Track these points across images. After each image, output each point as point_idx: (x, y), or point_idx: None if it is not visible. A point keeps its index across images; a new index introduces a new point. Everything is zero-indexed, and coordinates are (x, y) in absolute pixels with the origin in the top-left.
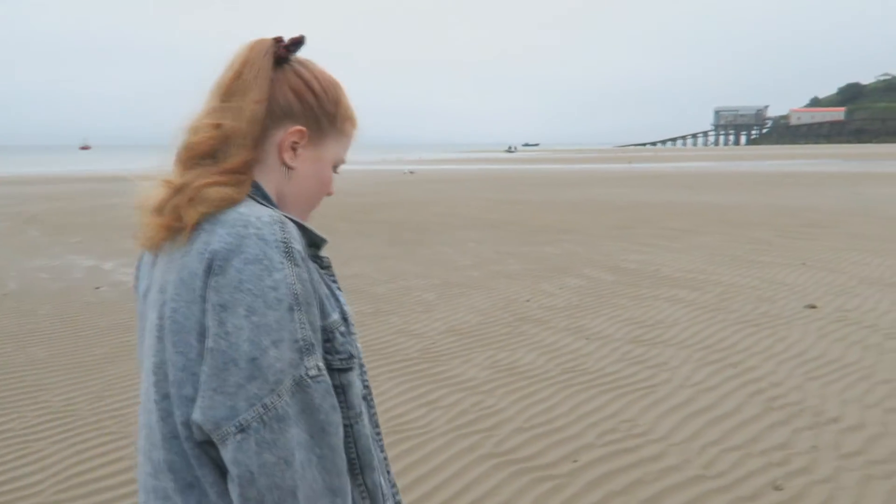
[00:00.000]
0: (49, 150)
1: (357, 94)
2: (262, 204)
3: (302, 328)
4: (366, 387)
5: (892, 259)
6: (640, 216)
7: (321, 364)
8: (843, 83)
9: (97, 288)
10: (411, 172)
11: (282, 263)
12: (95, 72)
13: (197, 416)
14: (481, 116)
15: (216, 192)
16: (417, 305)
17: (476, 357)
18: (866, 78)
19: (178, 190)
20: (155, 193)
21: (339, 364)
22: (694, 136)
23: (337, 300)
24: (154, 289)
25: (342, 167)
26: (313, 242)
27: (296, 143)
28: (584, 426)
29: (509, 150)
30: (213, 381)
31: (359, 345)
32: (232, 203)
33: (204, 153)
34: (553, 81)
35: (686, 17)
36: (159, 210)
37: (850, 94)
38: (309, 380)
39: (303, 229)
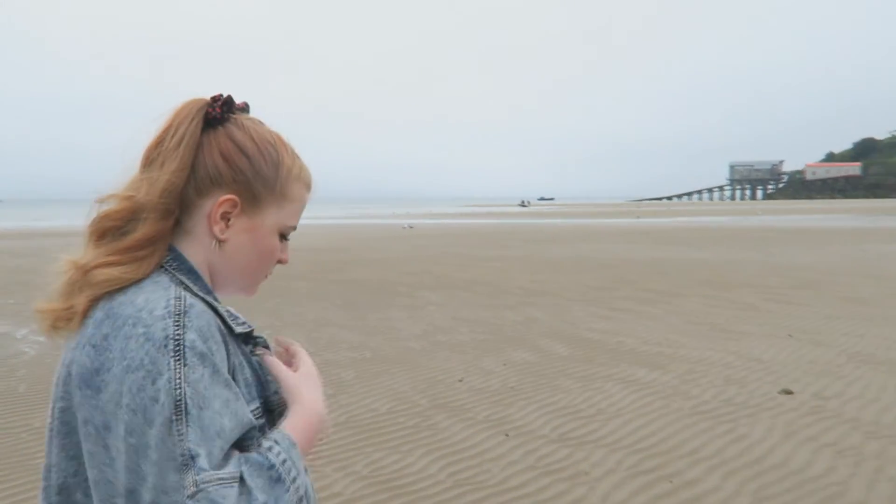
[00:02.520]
0: (65, 203)
1: (372, 151)
2: (176, 280)
3: (181, 441)
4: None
5: (889, 328)
6: (623, 276)
7: (202, 476)
8: (857, 138)
9: None
10: (410, 227)
11: (167, 366)
12: (89, 127)
13: None
14: (499, 171)
15: (102, 275)
16: (329, 386)
17: (358, 462)
18: (880, 133)
19: (76, 271)
20: (61, 273)
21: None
22: (710, 190)
23: (262, 386)
24: (58, 378)
25: (298, 228)
26: (231, 329)
27: (227, 213)
28: None
29: (522, 205)
30: None
31: None
32: (121, 284)
33: (111, 228)
34: (570, 135)
35: (700, 72)
36: (59, 295)
37: (865, 149)
38: (187, 501)
39: (218, 316)
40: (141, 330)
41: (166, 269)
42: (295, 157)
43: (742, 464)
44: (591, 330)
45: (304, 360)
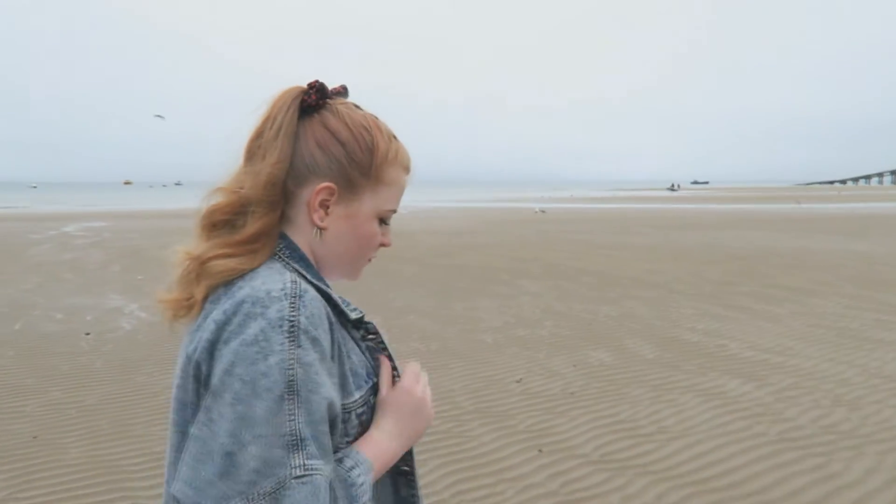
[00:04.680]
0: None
1: (519, 135)
2: (290, 267)
3: (291, 420)
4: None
5: None
6: (754, 268)
7: (311, 462)
8: None
9: (87, 334)
10: (542, 211)
11: (281, 346)
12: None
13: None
14: (652, 154)
15: (220, 265)
16: None
17: None
18: None
19: (192, 262)
20: (177, 265)
21: (345, 447)
22: (893, 172)
23: (369, 374)
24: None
25: (400, 210)
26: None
27: (325, 200)
28: None
29: (672, 189)
30: (187, 472)
31: None
32: (237, 274)
33: (221, 222)
34: (728, 113)
35: (884, 30)
36: (177, 285)
37: None
38: (292, 481)
39: (329, 300)
40: (259, 309)
41: (280, 257)
42: (390, 139)
43: None
44: (692, 330)
45: (402, 381)
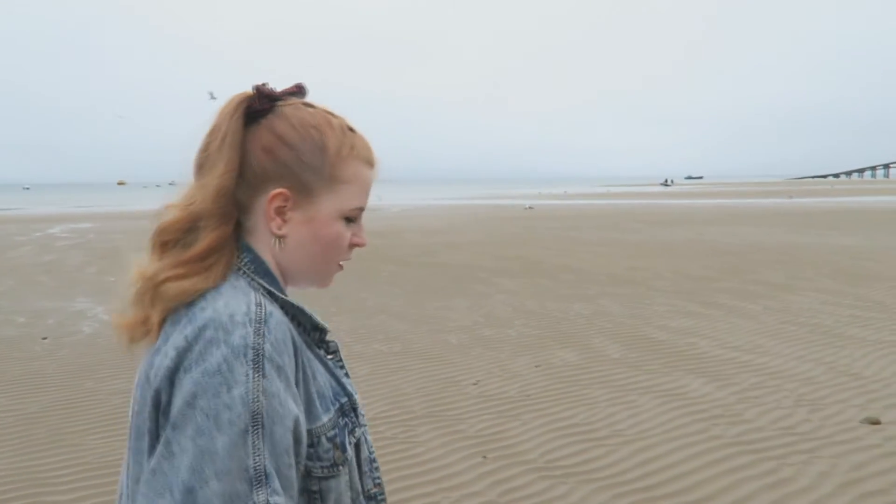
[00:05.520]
0: None
1: (516, 135)
2: (255, 284)
3: (256, 454)
4: (377, 485)
5: None
6: (737, 264)
7: (275, 499)
8: None
9: (44, 338)
10: (530, 208)
11: (245, 376)
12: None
13: None
14: (646, 150)
15: (174, 288)
16: None
17: None
18: None
19: (145, 283)
20: (131, 284)
21: (321, 472)
22: (886, 166)
23: (336, 396)
24: (136, 384)
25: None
26: (315, 326)
27: (281, 207)
28: None
29: (665, 184)
30: None
31: (368, 436)
32: (195, 295)
33: (172, 240)
34: (720, 108)
35: (878, 25)
36: (131, 306)
37: None
38: None
39: (301, 315)
40: (221, 335)
41: (244, 272)
42: (344, 134)
43: None
44: (664, 328)
45: None
